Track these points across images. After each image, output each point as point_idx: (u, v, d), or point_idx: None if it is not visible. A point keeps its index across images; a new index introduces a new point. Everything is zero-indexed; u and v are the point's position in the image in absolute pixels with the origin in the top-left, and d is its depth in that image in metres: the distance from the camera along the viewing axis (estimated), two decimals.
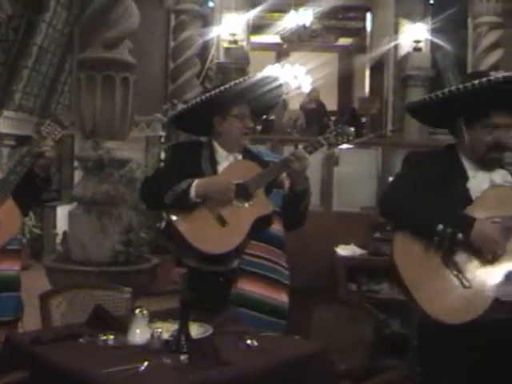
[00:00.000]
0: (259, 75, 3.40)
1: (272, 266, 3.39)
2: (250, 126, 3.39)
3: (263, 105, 3.58)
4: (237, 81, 3.33)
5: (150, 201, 3.45)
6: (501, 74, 2.60)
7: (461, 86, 2.66)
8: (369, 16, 14.83)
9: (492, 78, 2.59)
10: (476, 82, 2.61)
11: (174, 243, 3.23)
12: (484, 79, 2.60)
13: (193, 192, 3.12)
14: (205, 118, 3.40)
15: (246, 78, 3.36)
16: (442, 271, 2.59)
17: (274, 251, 3.41)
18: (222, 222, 3.14)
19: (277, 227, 3.40)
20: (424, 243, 2.61)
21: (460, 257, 2.60)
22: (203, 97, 3.37)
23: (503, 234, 2.59)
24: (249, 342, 2.63)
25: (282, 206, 3.41)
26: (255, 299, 3.29)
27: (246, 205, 3.19)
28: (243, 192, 3.19)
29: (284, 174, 3.33)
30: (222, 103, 3.34)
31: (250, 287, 3.29)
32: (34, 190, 3.30)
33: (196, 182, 3.14)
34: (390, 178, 5.32)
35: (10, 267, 3.32)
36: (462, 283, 2.56)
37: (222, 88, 3.31)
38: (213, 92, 3.33)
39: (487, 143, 2.72)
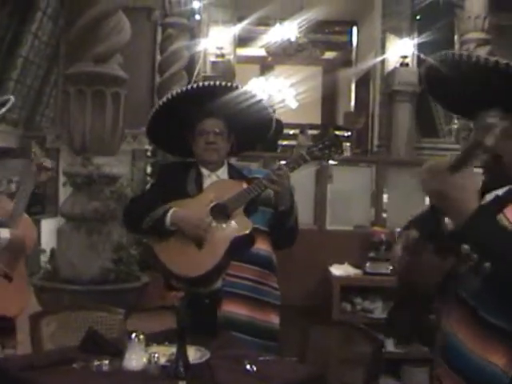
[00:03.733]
0: (202, 83, 3.34)
1: (259, 286, 3.24)
2: (209, 140, 3.27)
3: (247, 127, 3.38)
4: (174, 92, 3.32)
5: (129, 225, 3.43)
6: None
7: None
8: (354, 30, 14.91)
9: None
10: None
11: (156, 265, 3.19)
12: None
13: (168, 220, 3.08)
14: (180, 139, 3.38)
15: (183, 89, 3.33)
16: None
17: (261, 272, 3.25)
18: (199, 244, 3.08)
19: (263, 247, 3.26)
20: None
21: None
22: (150, 115, 3.37)
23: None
24: (248, 366, 2.55)
25: (269, 225, 3.27)
26: (242, 321, 3.18)
27: (224, 225, 3.10)
28: (222, 212, 3.11)
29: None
30: (187, 122, 3.30)
31: (235, 309, 3.18)
32: None
33: (172, 210, 3.09)
34: (385, 196, 5.35)
35: None
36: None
37: (160, 102, 3.33)
38: (154, 109, 3.35)
39: None
